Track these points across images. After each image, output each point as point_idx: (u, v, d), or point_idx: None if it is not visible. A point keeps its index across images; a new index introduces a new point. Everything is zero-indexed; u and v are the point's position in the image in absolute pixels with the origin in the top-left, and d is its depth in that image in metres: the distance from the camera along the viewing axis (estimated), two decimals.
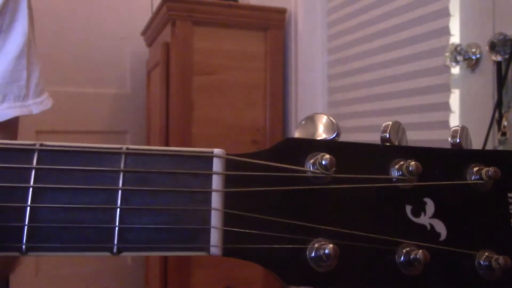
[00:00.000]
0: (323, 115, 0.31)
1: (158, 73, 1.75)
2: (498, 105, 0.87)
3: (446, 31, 1.07)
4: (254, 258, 0.27)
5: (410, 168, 0.29)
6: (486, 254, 0.30)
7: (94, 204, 0.25)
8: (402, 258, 0.29)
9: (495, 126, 0.88)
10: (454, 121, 1.05)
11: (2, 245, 0.24)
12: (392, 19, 1.27)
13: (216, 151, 0.27)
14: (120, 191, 0.25)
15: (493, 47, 0.91)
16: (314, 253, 0.27)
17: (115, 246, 0.25)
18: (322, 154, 0.28)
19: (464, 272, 0.30)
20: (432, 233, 0.30)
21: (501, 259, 0.29)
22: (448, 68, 1.05)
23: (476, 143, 0.88)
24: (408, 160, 0.30)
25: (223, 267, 1.63)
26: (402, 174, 0.30)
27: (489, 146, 0.85)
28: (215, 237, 0.26)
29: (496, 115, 0.87)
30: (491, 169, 0.30)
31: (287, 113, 1.71)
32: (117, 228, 0.25)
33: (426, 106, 1.12)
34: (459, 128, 0.33)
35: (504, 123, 0.86)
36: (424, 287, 0.29)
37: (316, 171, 0.28)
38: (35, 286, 2.05)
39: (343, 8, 1.51)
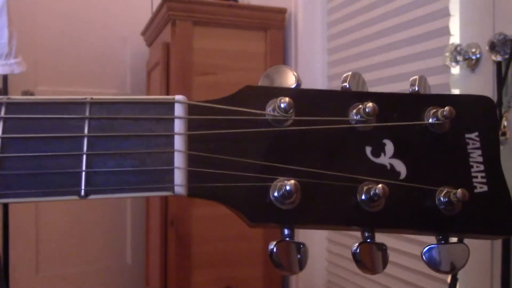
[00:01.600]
0: (285, 67, 0.32)
1: (158, 73, 1.75)
2: (498, 105, 0.87)
3: (446, 31, 1.07)
4: (219, 198, 0.28)
5: (367, 110, 0.30)
6: (446, 190, 0.30)
7: (62, 152, 0.26)
8: (363, 195, 0.29)
9: None
10: None
11: None
12: (392, 19, 1.27)
13: (178, 97, 0.28)
14: (86, 138, 0.26)
15: (493, 47, 0.91)
16: (277, 191, 0.28)
17: (83, 190, 0.26)
18: (280, 97, 0.29)
19: (425, 208, 0.30)
20: (392, 172, 0.30)
21: (458, 192, 0.29)
22: (448, 68, 1.05)
23: None
24: (365, 103, 0.30)
25: (223, 267, 1.63)
26: (361, 117, 0.31)
27: None
28: (179, 177, 0.27)
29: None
30: (446, 108, 0.31)
31: None
32: (83, 172, 0.26)
33: None
34: (417, 77, 0.34)
35: (504, 123, 0.86)
36: (386, 222, 0.30)
37: (276, 114, 0.29)
38: (35, 286, 2.05)
39: (343, 8, 1.51)
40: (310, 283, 1.62)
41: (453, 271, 0.30)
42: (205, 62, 1.62)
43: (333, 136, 0.30)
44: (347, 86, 0.32)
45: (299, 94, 0.31)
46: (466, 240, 0.32)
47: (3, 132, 0.26)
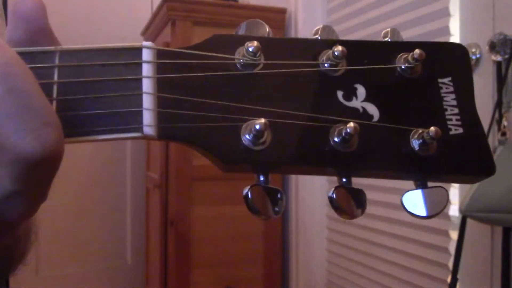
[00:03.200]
0: (257, 21, 0.32)
1: None
2: (498, 105, 0.87)
3: (446, 31, 1.07)
4: (190, 140, 0.28)
5: (336, 53, 0.30)
6: (420, 130, 0.30)
7: None
8: (335, 136, 0.29)
9: (495, 126, 0.88)
10: None
11: None
12: (392, 19, 1.27)
13: (146, 43, 0.29)
14: (55, 85, 0.26)
15: (493, 47, 0.91)
16: (248, 132, 0.28)
17: None
18: (248, 42, 0.29)
19: (400, 149, 0.30)
20: (365, 115, 0.30)
21: (431, 129, 0.29)
22: None
23: None
24: (334, 47, 0.30)
25: (223, 267, 1.63)
26: (330, 61, 0.31)
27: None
28: (148, 118, 0.27)
29: (496, 115, 0.87)
30: (416, 51, 0.31)
31: None
32: None
33: None
34: (389, 29, 0.34)
35: (504, 123, 0.86)
36: (361, 163, 0.30)
37: (245, 58, 0.29)
38: (35, 286, 2.05)
39: (343, 8, 1.51)
40: (310, 283, 1.62)
41: (433, 215, 0.30)
42: None
43: (303, 80, 0.30)
44: (318, 37, 0.32)
45: (268, 41, 0.31)
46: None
47: None
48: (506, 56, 0.89)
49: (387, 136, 0.30)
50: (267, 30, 0.31)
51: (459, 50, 0.34)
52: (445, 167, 0.30)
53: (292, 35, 1.70)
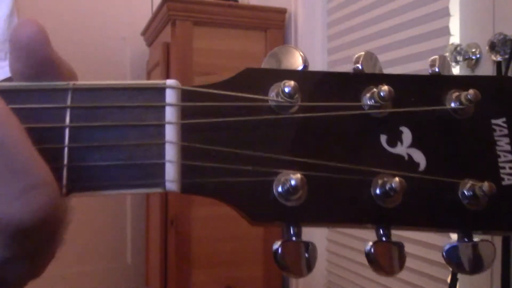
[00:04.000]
0: (291, 48, 0.28)
1: (158, 73, 1.75)
2: None
3: (446, 31, 1.07)
4: (216, 194, 0.25)
5: (382, 94, 0.27)
6: (470, 182, 0.27)
7: (40, 144, 0.22)
8: (378, 190, 0.26)
9: None
10: None
11: None
12: (392, 19, 1.27)
13: (169, 81, 0.26)
14: (67, 129, 0.23)
15: (493, 47, 0.91)
16: (281, 186, 0.25)
17: (64, 187, 0.23)
18: (285, 81, 0.26)
19: (447, 202, 0.27)
20: (410, 163, 0.27)
21: (485, 185, 0.26)
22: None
23: None
24: (380, 86, 0.27)
25: (223, 267, 1.63)
26: (375, 101, 0.27)
27: None
28: (171, 172, 0.24)
29: None
30: (470, 91, 0.28)
31: None
32: (65, 167, 0.23)
33: None
34: (437, 56, 0.31)
35: None
36: (403, 219, 0.27)
37: (280, 99, 0.26)
38: (35, 285, 2.04)
39: (343, 8, 1.51)
40: (310, 283, 1.62)
41: (479, 271, 0.27)
42: (205, 62, 1.62)
43: (343, 123, 0.27)
44: (360, 67, 0.29)
45: (305, 77, 0.27)
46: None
47: None
48: (506, 56, 0.89)
49: (434, 188, 0.27)
50: (302, 57, 0.28)
51: None
52: (495, 223, 0.28)
53: (292, 35, 1.70)
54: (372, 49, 1.39)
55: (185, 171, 0.24)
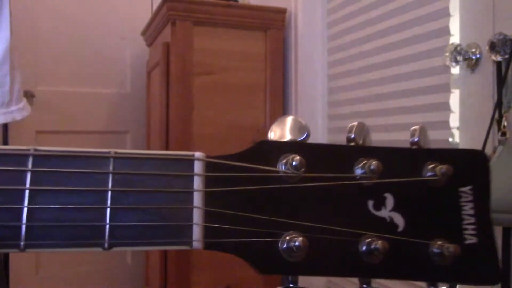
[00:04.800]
0: (293, 117, 0.34)
1: (158, 73, 1.75)
2: (498, 105, 0.87)
3: (446, 31, 1.07)
4: (233, 251, 0.30)
5: (372, 167, 0.32)
6: (439, 242, 0.33)
7: (86, 204, 0.28)
8: (363, 248, 0.32)
9: (495, 126, 0.88)
10: (454, 121, 1.05)
11: (2, 242, 0.27)
12: (392, 19, 1.27)
13: (197, 154, 0.30)
14: (109, 192, 0.28)
15: (493, 47, 0.91)
16: (286, 245, 0.30)
17: (106, 242, 0.28)
18: (292, 155, 0.32)
19: (419, 259, 0.33)
20: (391, 225, 0.33)
21: (451, 247, 0.32)
22: (448, 68, 1.05)
23: (476, 143, 0.88)
24: (370, 160, 0.33)
25: (223, 267, 1.63)
26: (365, 172, 0.33)
27: (489, 146, 0.85)
28: (196, 232, 0.29)
29: (496, 115, 0.87)
30: (444, 166, 0.33)
31: (287, 113, 1.71)
32: (107, 225, 0.28)
33: (426, 106, 1.12)
34: (418, 127, 0.36)
35: (504, 123, 0.86)
36: (383, 273, 0.32)
37: (287, 171, 0.32)
38: (35, 285, 2.05)
39: (343, 8, 1.51)
40: (310, 283, 1.62)
41: None
42: (205, 62, 1.62)
43: (338, 191, 0.33)
44: (352, 136, 0.34)
45: (308, 150, 0.33)
46: None
47: (31, 184, 0.27)
48: (506, 56, 0.89)
49: (409, 247, 0.33)
50: (305, 127, 0.33)
51: (480, 158, 0.36)
52: (457, 276, 0.33)
53: (292, 35, 1.70)
54: (372, 49, 1.39)
55: (208, 233, 0.30)
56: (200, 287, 1.60)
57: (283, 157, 0.32)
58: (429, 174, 0.34)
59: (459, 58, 1.01)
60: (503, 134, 0.85)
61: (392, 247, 0.32)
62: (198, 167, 0.30)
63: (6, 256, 1.81)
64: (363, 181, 0.33)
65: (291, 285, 0.32)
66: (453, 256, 0.32)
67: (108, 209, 0.28)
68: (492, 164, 0.81)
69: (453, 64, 1.03)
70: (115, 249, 0.28)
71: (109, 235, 0.28)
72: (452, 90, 1.05)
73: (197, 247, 0.29)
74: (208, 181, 0.30)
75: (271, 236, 0.31)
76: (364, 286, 0.32)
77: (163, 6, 1.62)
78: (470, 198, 0.34)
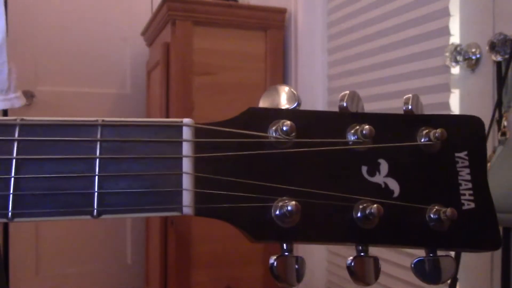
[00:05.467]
0: (285, 87, 0.33)
1: (158, 73, 1.75)
2: (498, 105, 0.87)
3: (446, 31, 1.07)
4: (225, 217, 0.30)
5: (364, 132, 0.32)
6: (436, 207, 0.32)
7: (74, 173, 0.27)
8: (359, 213, 0.31)
9: (495, 126, 0.88)
10: None
11: None
12: (392, 19, 1.27)
13: (186, 120, 0.30)
14: (97, 160, 0.27)
15: (493, 47, 0.91)
16: (279, 211, 0.30)
17: (95, 210, 0.27)
18: (283, 121, 0.31)
19: (416, 225, 0.32)
20: (386, 191, 0.32)
21: (448, 210, 0.31)
22: (448, 68, 1.05)
23: None
24: (362, 125, 0.32)
25: (223, 267, 1.63)
26: (358, 138, 0.32)
27: (489, 146, 0.85)
28: (187, 198, 0.28)
29: (496, 115, 0.87)
30: (438, 130, 0.33)
31: None
32: (96, 193, 0.27)
33: (426, 106, 1.11)
34: (411, 95, 0.35)
35: (504, 123, 0.86)
36: (379, 239, 0.32)
37: (278, 136, 0.31)
38: (35, 285, 2.05)
39: (343, 8, 1.51)
40: (310, 283, 1.62)
41: (441, 282, 0.32)
42: (205, 62, 1.62)
43: (331, 156, 0.32)
44: (344, 104, 0.33)
45: (299, 116, 0.32)
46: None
47: (17, 154, 0.27)
48: (506, 56, 0.89)
49: (405, 212, 0.32)
50: (296, 96, 0.33)
51: (476, 123, 0.35)
52: (456, 242, 0.33)
53: (292, 35, 1.70)
54: (372, 49, 1.39)
55: (198, 198, 0.29)
56: (200, 287, 1.60)
57: (274, 124, 0.31)
58: (423, 140, 0.33)
59: (459, 58, 1.01)
60: (503, 134, 0.85)
61: (388, 212, 0.31)
62: (186, 133, 0.29)
63: (6, 256, 1.81)
64: (356, 146, 0.32)
65: (286, 253, 0.31)
66: (450, 220, 0.32)
67: (96, 177, 0.27)
68: (492, 164, 0.81)
69: (453, 64, 1.03)
70: (104, 216, 0.27)
71: (98, 203, 0.27)
72: (452, 90, 1.05)
73: (188, 212, 0.28)
74: (198, 147, 0.29)
75: (263, 201, 0.30)
76: (362, 254, 0.32)
77: (163, 6, 1.62)
78: (466, 163, 0.34)
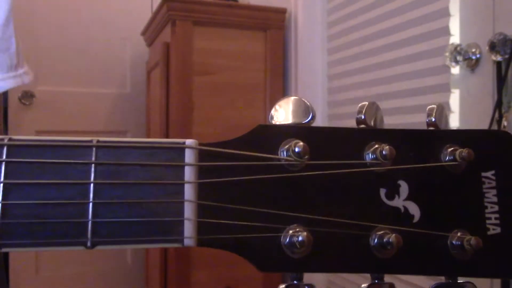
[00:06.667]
0: (298, 99, 0.30)
1: (158, 73, 1.75)
2: (498, 105, 0.87)
3: (446, 31, 1.07)
4: (230, 247, 0.27)
5: (384, 153, 0.29)
6: (459, 234, 0.30)
7: (67, 199, 0.25)
8: (375, 241, 0.29)
9: (495, 126, 0.88)
10: (454, 121, 1.05)
11: None
12: (392, 19, 1.27)
13: (188, 141, 0.27)
14: (92, 185, 0.25)
15: (493, 47, 0.91)
16: (288, 240, 0.27)
17: (89, 240, 0.25)
18: (295, 141, 0.28)
19: (436, 253, 0.30)
20: (406, 216, 0.30)
21: (473, 239, 0.29)
22: (448, 68, 1.05)
23: None
24: (382, 144, 0.29)
25: (223, 267, 1.63)
26: (376, 158, 0.29)
27: None
28: (189, 228, 0.26)
29: (496, 115, 0.87)
30: (465, 150, 0.30)
31: None
32: (90, 222, 0.25)
33: (426, 106, 1.12)
34: (435, 107, 0.33)
35: (504, 123, 0.86)
36: (397, 268, 0.29)
37: (290, 158, 0.28)
38: (35, 285, 2.05)
39: (343, 8, 1.51)
40: (310, 283, 1.62)
41: None
42: (205, 62, 1.62)
43: (347, 179, 0.29)
44: (363, 117, 0.31)
45: (313, 134, 0.29)
46: None
47: (5, 177, 0.25)
48: (506, 56, 0.89)
49: (426, 239, 0.30)
50: (309, 108, 0.30)
51: (504, 138, 0.32)
52: (479, 270, 0.30)
53: (292, 35, 1.70)
54: (372, 49, 1.39)
55: (201, 229, 0.26)
56: (200, 287, 1.60)
57: (285, 143, 0.29)
58: (448, 158, 0.30)
59: (459, 58, 1.01)
60: None
61: (407, 240, 0.29)
62: (189, 156, 0.27)
63: (6, 256, 1.80)
64: (374, 168, 0.29)
65: (295, 282, 0.29)
66: (474, 250, 0.29)
67: (91, 204, 0.25)
68: None
69: (453, 64, 1.03)
70: (99, 247, 0.25)
71: (92, 233, 0.25)
72: (452, 90, 1.05)
73: (190, 244, 0.26)
74: (201, 172, 0.27)
75: (272, 231, 0.28)
76: (376, 281, 0.29)
77: (163, 6, 1.62)
78: (493, 184, 0.31)
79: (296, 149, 0.28)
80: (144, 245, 0.26)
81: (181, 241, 0.26)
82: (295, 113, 0.30)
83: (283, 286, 0.28)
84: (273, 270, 0.28)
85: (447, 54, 1.02)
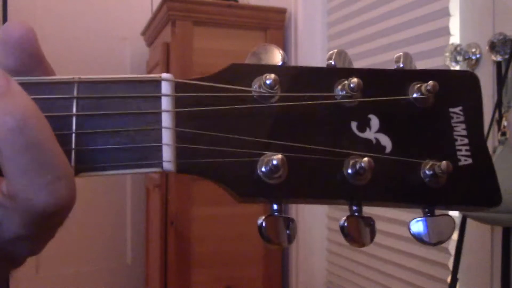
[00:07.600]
0: (272, 46, 0.32)
1: (158, 73, 1.75)
2: (498, 105, 0.87)
3: (446, 31, 1.07)
4: (208, 174, 0.28)
5: (352, 85, 0.30)
6: (431, 163, 0.31)
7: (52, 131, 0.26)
8: (349, 169, 0.30)
9: (495, 126, 0.88)
10: None
11: None
12: (392, 19, 1.27)
13: (165, 75, 0.28)
14: (74, 117, 0.26)
15: (493, 47, 0.91)
16: (264, 166, 0.28)
17: (72, 168, 0.26)
18: (266, 74, 0.30)
19: (410, 181, 0.31)
20: (378, 146, 0.31)
21: (442, 163, 0.30)
22: (448, 68, 1.05)
23: None
24: (350, 78, 0.31)
25: (223, 267, 1.63)
26: (346, 92, 0.31)
27: (489, 146, 0.85)
28: (167, 153, 0.27)
29: (496, 115, 0.87)
30: (430, 83, 0.31)
31: None
32: (73, 150, 0.26)
33: None
34: (401, 53, 0.34)
35: (504, 123, 0.86)
36: (372, 196, 0.30)
37: (262, 91, 0.30)
38: (35, 285, 2.05)
39: (343, 8, 1.51)
40: (310, 283, 1.62)
41: (439, 242, 0.30)
42: (205, 62, 1.62)
43: (318, 111, 0.31)
44: (333, 63, 0.32)
45: (284, 71, 0.31)
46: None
47: None
48: (506, 56, 0.89)
49: (399, 168, 0.31)
50: (282, 55, 0.32)
51: (470, 78, 0.34)
52: (453, 199, 0.31)
53: (292, 35, 1.70)
54: (372, 49, 1.39)
55: (180, 153, 0.28)
56: (200, 287, 1.60)
57: (257, 79, 0.30)
58: (415, 94, 0.32)
59: (459, 58, 1.01)
60: (503, 134, 0.85)
61: (380, 168, 0.30)
62: (166, 88, 0.28)
63: None
64: (344, 101, 0.31)
65: (275, 213, 0.29)
66: (446, 175, 0.30)
67: (73, 135, 0.26)
68: None
69: (453, 64, 1.03)
70: (82, 174, 0.26)
71: (76, 160, 0.26)
72: None
73: (169, 168, 0.27)
74: (178, 103, 0.28)
75: (248, 156, 0.29)
76: (356, 214, 0.30)
77: (163, 6, 1.62)
78: (461, 118, 0.32)
79: (267, 82, 0.29)
80: (126, 170, 0.27)
81: (160, 165, 0.27)
82: (269, 57, 0.31)
83: (263, 217, 0.29)
84: (252, 195, 0.29)
85: (447, 54, 1.02)
